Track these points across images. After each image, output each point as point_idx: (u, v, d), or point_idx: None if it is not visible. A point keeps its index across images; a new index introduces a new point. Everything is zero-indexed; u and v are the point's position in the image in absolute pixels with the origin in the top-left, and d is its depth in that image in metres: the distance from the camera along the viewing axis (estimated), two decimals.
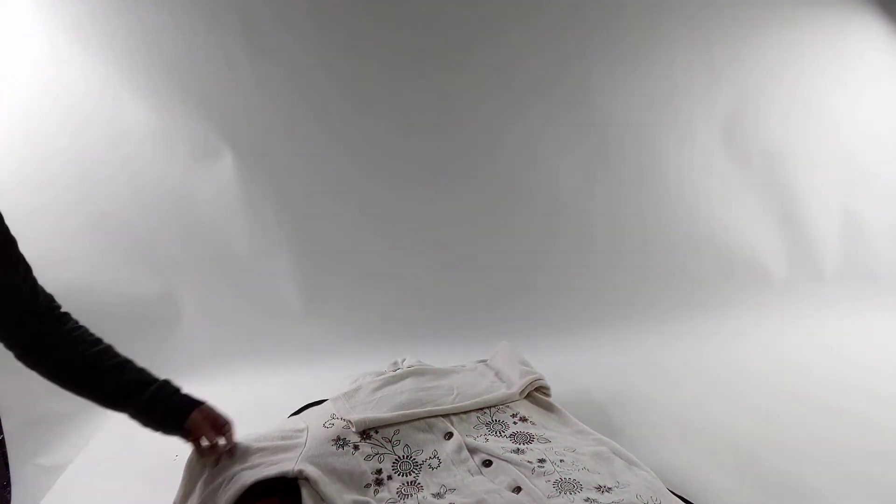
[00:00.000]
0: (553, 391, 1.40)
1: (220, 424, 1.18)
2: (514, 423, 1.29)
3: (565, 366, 1.73)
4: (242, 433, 1.21)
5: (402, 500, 1.07)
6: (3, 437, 1.57)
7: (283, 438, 1.19)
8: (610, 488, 1.05)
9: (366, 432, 1.21)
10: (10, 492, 1.53)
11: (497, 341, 1.64)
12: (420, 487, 1.11)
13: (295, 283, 2.06)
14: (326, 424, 1.22)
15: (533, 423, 1.29)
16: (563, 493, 1.04)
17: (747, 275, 2.22)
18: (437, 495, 1.08)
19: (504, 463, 1.13)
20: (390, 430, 1.22)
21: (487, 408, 1.32)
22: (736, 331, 1.97)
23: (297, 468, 1.08)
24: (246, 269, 2.04)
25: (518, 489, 1.06)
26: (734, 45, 2.25)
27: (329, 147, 2.11)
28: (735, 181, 2.29)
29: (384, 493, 1.09)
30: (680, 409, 1.51)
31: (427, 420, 1.26)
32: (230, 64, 2.01)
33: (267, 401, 1.57)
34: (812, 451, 1.31)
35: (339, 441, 1.18)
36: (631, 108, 2.22)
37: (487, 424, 1.28)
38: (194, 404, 1.15)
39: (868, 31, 2.32)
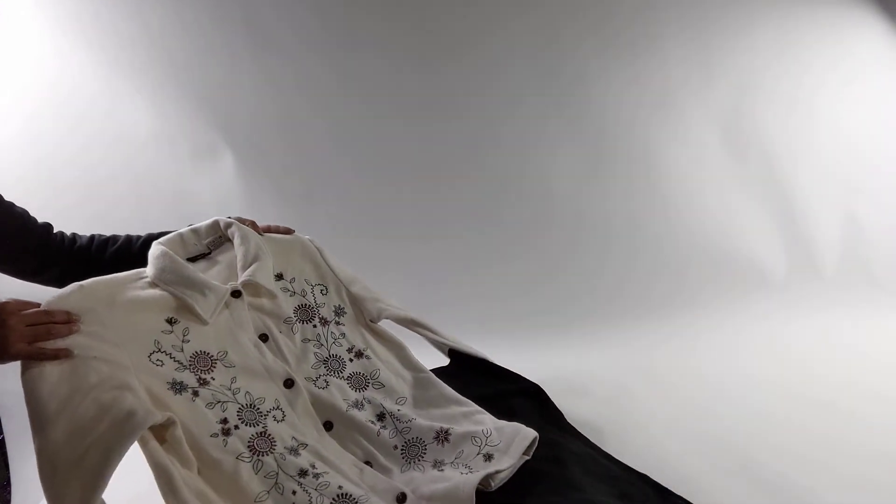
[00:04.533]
0: (548, 390, 1.39)
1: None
2: (350, 360, 1.23)
3: (563, 365, 1.73)
4: None
5: (256, 457, 1.00)
6: (3, 437, 1.57)
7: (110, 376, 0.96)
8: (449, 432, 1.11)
9: (203, 378, 1.05)
10: (10, 492, 1.53)
11: (495, 338, 1.63)
12: (272, 442, 1.03)
13: None
14: (154, 360, 1.03)
15: (368, 358, 1.24)
16: (410, 462, 1.08)
17: (745, 273, 2.21)
18: (292, 450, 1.03)
19: (350, 432, 1.11)
20: (227, 377, 1.07)
21: (324, 334, 1.24)
22: (733, 330, 1.95)
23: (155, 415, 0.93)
24: None
25: (368, 463, 1.07)
26: (731, 41, 2.24)
27: (330, 147, 2.12)
28: (732, 178, 2.28)
29: (235, 445, 1.00)
30: (676, 409, 1.50)
31: (264, 362, 1.12)
32: (232, 63, 2.02)
33: None
34: (810, 452, 1.31)
35: (176, 386, 1.02)
36: (626, 103, 2.21)
37: (325, 361, 1.20)
38: None
39: (866, 28, 2.31)
